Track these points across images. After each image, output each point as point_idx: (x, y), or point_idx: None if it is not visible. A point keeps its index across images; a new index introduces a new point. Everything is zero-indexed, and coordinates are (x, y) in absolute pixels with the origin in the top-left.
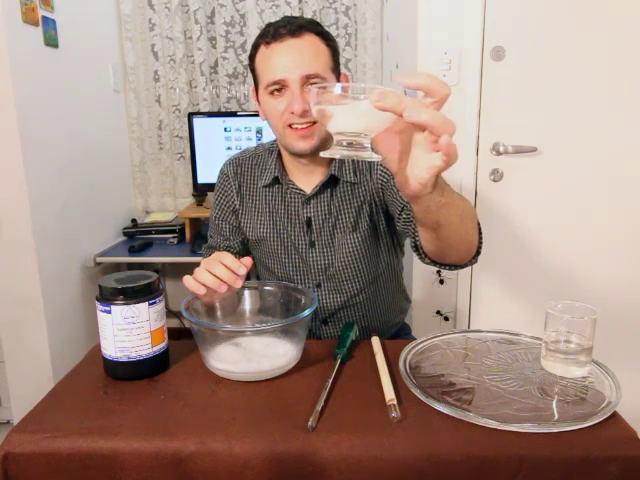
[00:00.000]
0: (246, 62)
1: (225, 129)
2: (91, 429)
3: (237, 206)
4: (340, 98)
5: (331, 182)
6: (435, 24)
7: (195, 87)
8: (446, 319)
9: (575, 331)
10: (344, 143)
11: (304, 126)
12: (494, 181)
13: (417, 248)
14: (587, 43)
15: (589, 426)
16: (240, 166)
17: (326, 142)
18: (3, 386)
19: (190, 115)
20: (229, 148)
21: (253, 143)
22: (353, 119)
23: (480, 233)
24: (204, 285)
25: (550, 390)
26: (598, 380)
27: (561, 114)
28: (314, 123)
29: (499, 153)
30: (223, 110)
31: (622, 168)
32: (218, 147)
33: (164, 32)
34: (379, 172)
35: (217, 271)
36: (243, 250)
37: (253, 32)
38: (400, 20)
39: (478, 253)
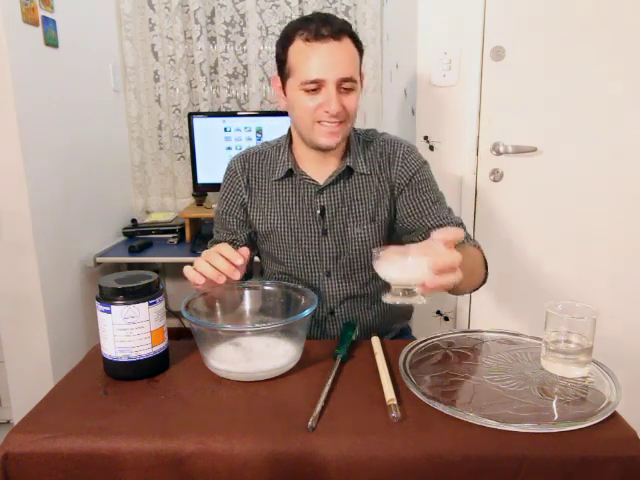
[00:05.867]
0: (246, 62)
1: (225, 129)
2: (91, 429)
3: (245, 200)
4: (396, 256)
5: (345, 173)
6: (435, 24)
7: (195, 87)
8: (446, 319)
9: (575, 331)
10: (400, 293)
11: (334, 124)
12: (494, 181)
13: None
14: (587, 43)
15: (589, 426)
16: (248, 161)
17: (347, 138)
18: (3, 386)
19: (190, 115)
20: (229, 148)
21: (253, 143)
22: (408, 275)
23: (486, 268)
24: (203, 275)
25: (550, 390)
26: (598, 380)
27: (561, 114)
28: (341, 122)
29: (499, 153)
30: (223, 110)
31: (622, 168)
32: (218, 147)
33: (164, 32)
34: (398, 172)
35: (216, 262)
36: (249, 244)
37: (253, 32)
38: (400, 20)
39: (484, 282)
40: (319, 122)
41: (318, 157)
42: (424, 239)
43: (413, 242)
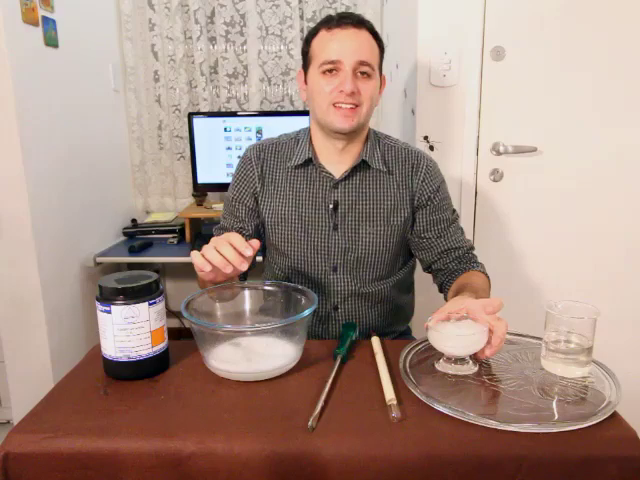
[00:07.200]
0: (246, 62)
1: (225, 129)
2: (91, 429)
3: (258, 189)
4: (448, 325)
5: (361, 168)
6: (435, 24)
7: (195, 87)
8: None
9: (575, 331)
10: (451, 363)
11: (349, 106)
12: (494, 181)
13: (441, 288)
14: (587, 43)
15: (589, 426)
16: (263, 151)
17: (365, 124)
18: (3, 386)
19: (190, 115)
20: (229, 148)
21: (253, 142)
22: (462, 349)
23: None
24: (210, 263)
25: (550, 390)
26: (598, 380)
27: (561, 114)
28: (357, 105)
29: (499, 153)
30: (223, 110)
31: (622, 168)
32: (218, 147)
33: (164, 32)
34: (420, 184)
35: (224, 251)
36: (255, 235)
37: (253, 32)
38: (400, 20)
39: None
40: (334, 105)
41: (336, 149)
42: (437, 260)
43: (423, 260)
